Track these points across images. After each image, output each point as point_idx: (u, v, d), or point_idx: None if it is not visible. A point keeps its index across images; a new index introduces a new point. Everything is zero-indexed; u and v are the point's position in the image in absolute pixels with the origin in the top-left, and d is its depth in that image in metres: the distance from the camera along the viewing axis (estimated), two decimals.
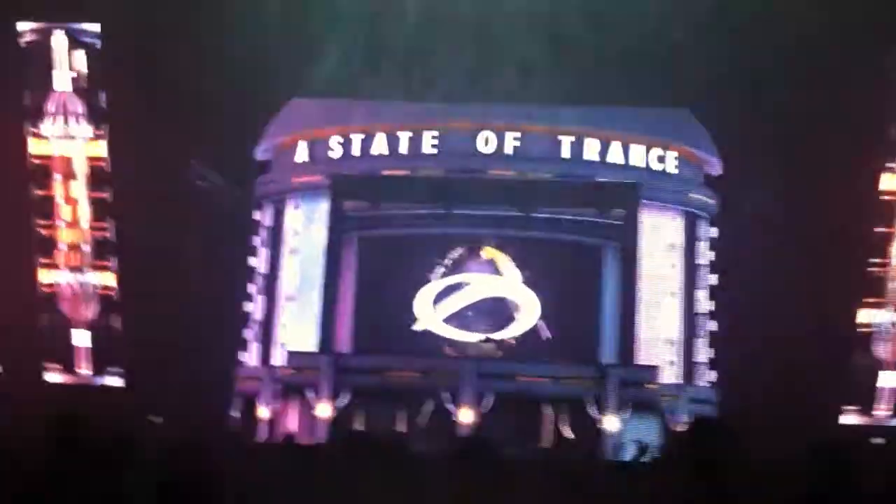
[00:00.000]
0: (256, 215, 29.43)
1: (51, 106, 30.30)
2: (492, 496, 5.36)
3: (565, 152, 27.69)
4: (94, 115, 30.37)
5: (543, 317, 28.08)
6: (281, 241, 29.04)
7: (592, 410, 24.60)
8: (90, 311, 30.00)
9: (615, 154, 27.78)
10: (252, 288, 28.98)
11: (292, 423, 25.06)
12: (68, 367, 29.68)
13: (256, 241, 29.28)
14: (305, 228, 28.81)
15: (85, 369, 29.77)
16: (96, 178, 30.37)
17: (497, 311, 28.46)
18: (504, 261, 28.78)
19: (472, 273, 28.63)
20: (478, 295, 28.52)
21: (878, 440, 24.76)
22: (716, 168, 29.26)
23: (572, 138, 27.65)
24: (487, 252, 28.79)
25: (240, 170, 29.60)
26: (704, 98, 27.30)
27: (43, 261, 30.06)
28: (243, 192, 29.80)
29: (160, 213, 27.98)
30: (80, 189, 30.30)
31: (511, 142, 27.51)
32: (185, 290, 27.44)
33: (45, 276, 30.02)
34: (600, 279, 28.78)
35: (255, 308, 28.79)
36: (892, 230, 30.68)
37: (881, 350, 30.17)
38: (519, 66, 26.66)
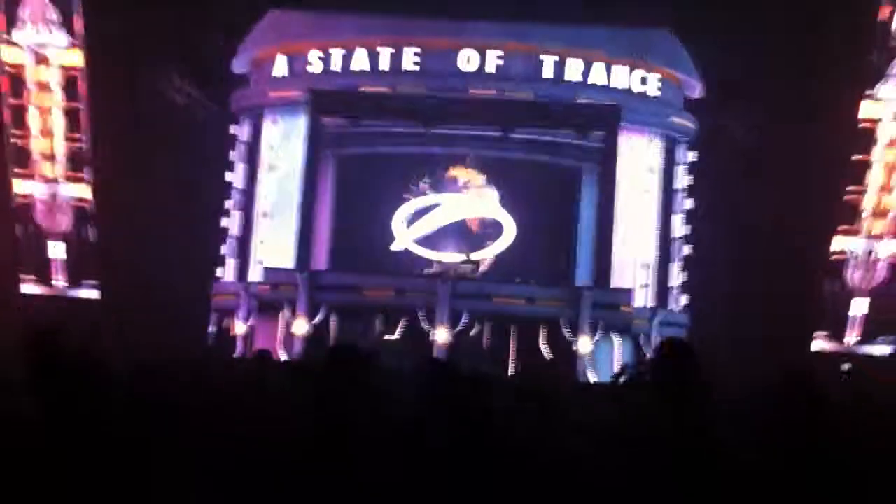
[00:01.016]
0: (233, 129, 29.08)
1: (25, 13, 29.59)
2: (463, 415, 5.40)
3: (547, 72, 27.43)
4: (69, 24, 29.74)
5: (519, 238, 28.18)
6: (258, 156, 28.78)
7: (566, 332, 24.85)
8: (65, 223, 29.81)
9: (598, 75, 27.54)
10: (229, 203, 28.80)
11: (268, 339, 25.18)
12: (43, 279, 29.59)
13: (233, 155, 28.99)
14: (283, 144, 28.55)
15: (60, 281, 29.69)
16: (71, 88, 29.87)
17: (473, 232, 28.52)
18: (481, 180, 28.74)
19: (449, 193, 28.59)
20: (454, 215, 28.53)
21: (846, 365, 25.21)
22: (697, 91, 29.10)
23: (555, 58, 27.35)
24: (465, 171, 28.73)
25: (216, 83, 29.16)
26: (687, 18, 27.07)
27: (17, 171, 29.73)
28: (220, 105, 29.44)
29: (135, 125, 27.66)
30: (54, 99, 29.82)
31: (493, 60, 27.20)
32: (160, 204, 27.30)
33: (19, 187, 29.73)
34: (577, 201, 28.83)
35: (232, 224, 28.67)
36: (868, 158, 30.83)
37: (853, 277, 30.57)
38: None
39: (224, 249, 28.62)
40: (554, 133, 28.19)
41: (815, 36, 27.27)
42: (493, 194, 28.66)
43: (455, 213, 28.56)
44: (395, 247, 28.05)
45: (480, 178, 28.72)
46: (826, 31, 27.23)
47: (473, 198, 28.70)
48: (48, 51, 29.65)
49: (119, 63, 27.41)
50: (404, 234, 28.19)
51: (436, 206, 28.52)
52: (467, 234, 28.38)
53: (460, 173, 28.78)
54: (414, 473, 4.61)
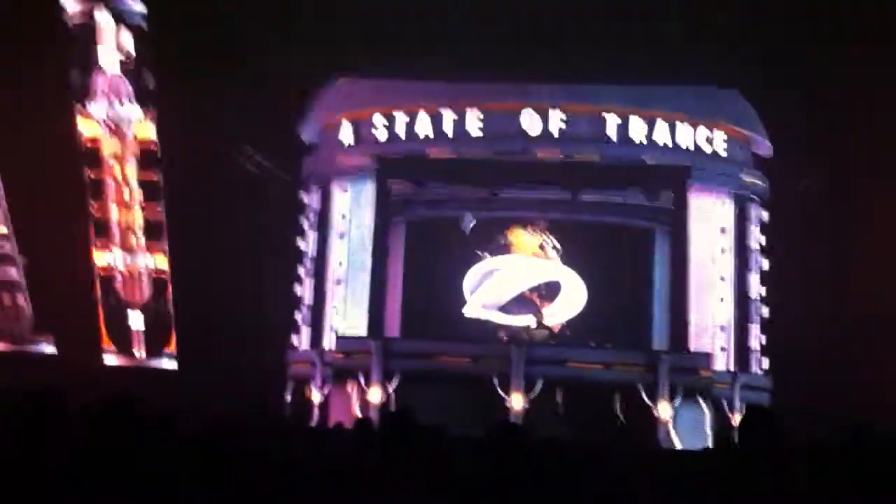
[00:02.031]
0: (303, 197, 29.48)
1: (98, 85, 30.55)
2: (538, 483, 5.27)
3: (612, 133, 27.28)
4: (142, 97, 30.62)
5: (592, 302, 27.90)
6: (329, 223, 29.07)
7: (645, 397, 24.35)
8: (144, 294, 30.37)
9: (662, 134, 27.31)
10: (301, 271, 29.08)
11: (344, 407, 25.15)
12: (124, 350, 30.10)
13: (304, 223, 29.34)
14: (353, 211, 28.81)
15: (140, 351, 30.17)
16: (146, 159, 30.64)
17: (544, 296, 28.32)
18: (552, 244, 28.63)
19: (521, 256, 28.52)
20: (525, 278, 28.40)
21: None
22: (766, 149, 28.72)
23: (618, 119, 27.22)
24: (534, 235, 28.63)
25: (287, 152, 29.67)
26: (753, 78, 26.86)
27: (97, 242, 30.45)
28: (290, 174, 29.90)
29: (209, 196, 28.20)
30: (130, 170, 30.61)
31: (556, 122, 27.20)
32: (235, 274, 27.67)
33: (99, 258, 30.42)
34: (650, 263, 28.54)
35: (305, 291, 28.90)
36: None
37: None
38: (563, 45, 26.39)
39: (298, 317, 28.83)
40: (623, 195, 28.01)
41: (884, 93, 26.80)
42: (564, 257, 28.52)
43: (525, 276, 28.44)
44: (465, 312, 28.01)
45: (552, 241, 28.61)
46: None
47: (544, 261, 28.56)
48: (122, 123, 30.52)
49: (191, 134, 28.05)
50: (473, 300, 28.18)
51: (505, 270, 28.45)
52: (550, 297, 28.16)
53: (530, 237, 28.72)
54: None
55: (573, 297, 28.15)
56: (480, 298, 28.21)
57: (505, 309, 28.22)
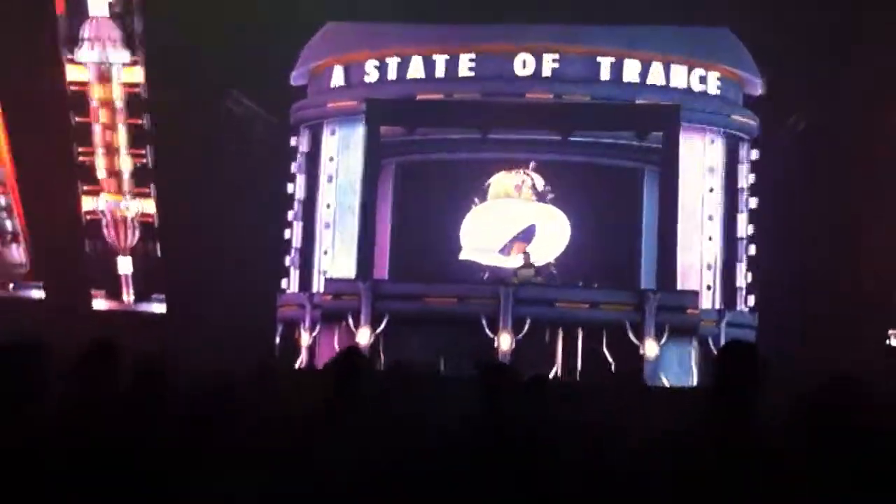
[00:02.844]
0: (293, 141, 29.38)
1: (86, 31, 30.20)
2: (528, 418, 5.34)
3: (604, 74, 27.23)
4: (130, 41, 30.29)
5: (581, 242, 28.02)
6: (318, 167, 29.02)
7: (632, 335, 24.57)
8: (132, 238, 30.35)
9: (656, 75, 27.25)
10: (290, 214, 29.09)
11: (333, 349, 25.31)
12: (113, 294, 30.16)
13: (293, 167, 29.28)
14: (342, 154, 28.75)
15: (129, 296, 30.24)
16: (133, 104, 30.41)
17: (533, 237, 28.41)
18: (542, 185, 28.64)
19: (520, 199, 28.57)
20: (514, 220, 28.47)
21: None
22: (757, 88, 28.63)
23: (612, 59, 27.12)
24: (532, 178, 28.66)
25: (276, 96, 29.50)
26: (746, 17, 26.71)
27: (85, 188, 30.35)
28: (279, 117, 29.76)
29: (197, 140, 28.07)
30: (117, 115, 30.39)
31: (549, 63, 27.07)
32: (222, 217, 27.67)
33: (86, 203, 30.35)
34: (639, 203, 28.59)
35: (295, 235, 28.94)
36: None
37: None
38: None
39: (288, 261, 28.90)
40: (613, 135, 27.97)
41: (880, 31, 26.69)
42: (552, 198, 28.58)
43: (515, 218, 28.50)
44: (462, 256, 28.15)
45: (541, 182, 28.64)
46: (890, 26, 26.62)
47: (533, 202, 28.60)
48: (110, 68, 30.22)
49: (178, 77, 27.82)
50: (468, 244, 28.30)
51: (496, 212, 28.52)
52: (527, 239, 28.26)
53: (519, 178, 28.74)
54: (467, 475, 4.56)
55: (555, 236, 28.26)
56: (472, 243, 28.40)
57: (493, 251, 28.36)
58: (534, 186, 28.66)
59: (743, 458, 4.05)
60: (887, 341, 28.82)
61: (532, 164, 28.51)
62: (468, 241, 28.62)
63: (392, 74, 27.85)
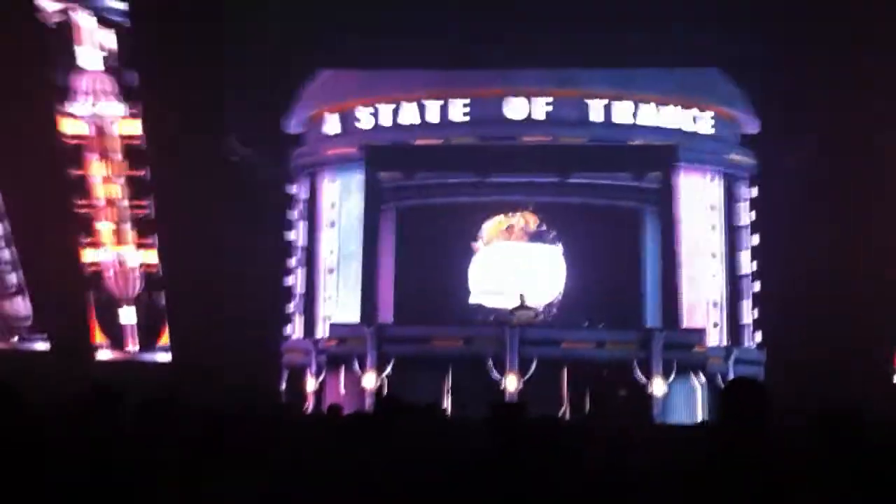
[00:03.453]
0: (292, 189, 29.48)
1: (81, 85, 30.41)
2: (534, 458, 5.30)
3: (597, 116, 27.34)
4: (127, 93, 30.52)
5: (584, 283, 28.02)
6: (318, 213, 29.10)
7: (639, 374, 24.47)
8: (135, 289, 30.35)
9: (648, 116, 27.42)
10: (292, 262, 29.11)
11: (338, 394, 25.22)
12: (117, 345, 30.09)
13: (293, 214, 29.36)
14: (342, 200, 28.84)
15: (133, 346, 30.17)
16: (132, 156, 30.56)
17: (537, 279, 28.41)
18: (541, 227, 28.72)
19: (511, 241, 28.63)
20: (516, 263, 28.49)
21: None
22: (753, 126, 28.81)
23: (604, 101, 27.29)
24: (524, 219, 28.75)
25: (273, 144, 29.65)
26: (737, 56, 26.91)
27: (85, 240, 30.39)
28: (277, 165, 29.89)
29: (196, 189, 28.16)
30: (116, 167, 30.53)
31: (541, 107, 27.23)
32: (226, 266, 27.66)
33: (88, 256, 30.37)
34: (640, 243, 28.67)
35: (296, 282, 28.94)
36: None
37: None
38: (547, 30, 26.42)
39: (291, 307, 28.87)
40: (611, 177, 28.09)
41: (870, 69, 26.90)
42: (554, 240, 28.65)
43: (519, 260, 28.54)
44: (472, 300, 28.19)
45: (533, 223, 28.73)
46: (876, 61, 26.83)
47: (536, 245, 28.66)
48: (106, 121, 30.41)
49: (176, 128, 27.97)
50: (475, 287, 28.37)
51: (497, 255, 28.58)
52: (530, 281, 28.25)
53: (521, 221, 28.83)
54: None
55: (551, 276, 28.28)
56: (479, 286, 28.45)
57: (495, 293, 28.37)
58: (525, 228, 28.72)
59: (754, 491, 4.03)
60: (894, 378, 28.71)
61: (531, 207, 28.60)
62: (475, 284, 28.68)
63: (386, 121, 28.02)
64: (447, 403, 22.21)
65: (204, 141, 28.35)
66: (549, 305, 28.33)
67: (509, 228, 28.77)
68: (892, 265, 28.65)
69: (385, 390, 24.68)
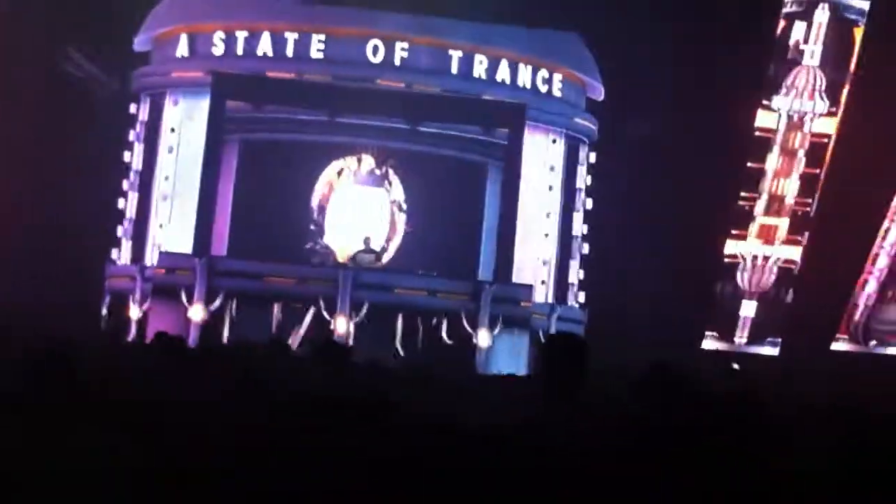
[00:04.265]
0: (132, 108, 28.42)
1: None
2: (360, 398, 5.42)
3: (454, 67, 27.56)
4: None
5: (424, 232, 28.33)
6: (158, 137, 28.17)
7: (466, 325, 25.03)
8: None
9: (503, 72, 27.80)
10: (125, 184, 28.15)
11: (163, 325, 24.67)
12: None
13: (132, 135, 28.33)
14: (185, 126, 27.99)
15: None
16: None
17: (377, 223, 28.53)
18: (388, 173, 28.79)
19: (357, 185, 28.61)
20: (359, 206, 28.50)
21: (735, 365, 26.18)
22: (599, 93, 29.63)
23: (461, 53, 27.49)
24: (371, 163, 28.75)
25: (116, 60, 28.46)
26: (593, 22, 27.63)
27: None
28: (119, 83, 28.74)
29: (31, 103, 26.82)
30: None
31: (400, 52, 27.17)
32: (55, 182, 26.55)
33: None
34: (482, 197, 29.12)
35: (129, 206, 28.02)
36: (763, 166, 31.96)
37: (744, 280, 31.67)
38: None
39: (120, 231, 27.97)
40: (461, 129, 28.35)
41: (717, 45, 28.15)
42: (398, 186, 28.79)
43: (362, 204, 28.55)
44: (325, 240, 28.04)
45: (386, 170, 28.79)
46: (728, 41, 28.12)
47: (379, 189, 28.72)
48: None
49: (14, 37, 26.49)
50: (311, 223, 28.21)
51: (344, 194, 28.53)
52: (370, 225, 28.34)
53: (367, 164, 28.80)
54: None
55: (388, 222, 28.56)
56: (329, 226, 28.34)
57: (338, 234, 28.37)
58: (357, 171, 28.72)
59: (573, 440, 4.22)
60: (703, 342, 30.51)
61: (372, 151, 28.59)
62: (328, 224, 28.53)
63: (240, 48, 27.31)
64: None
65: (43, 52, 26.97)
66: (387, 251, 28.52)
67: (339, 172, 28.69)
68: (713, 237, 30.22)
69: (215, 324, 24.38)
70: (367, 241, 27.57)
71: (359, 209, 28.56)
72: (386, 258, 28.38)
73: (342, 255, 27.63)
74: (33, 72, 26.84)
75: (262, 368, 6.51)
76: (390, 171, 28.81)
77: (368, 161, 28.74)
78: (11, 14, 26.20)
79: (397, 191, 28.95)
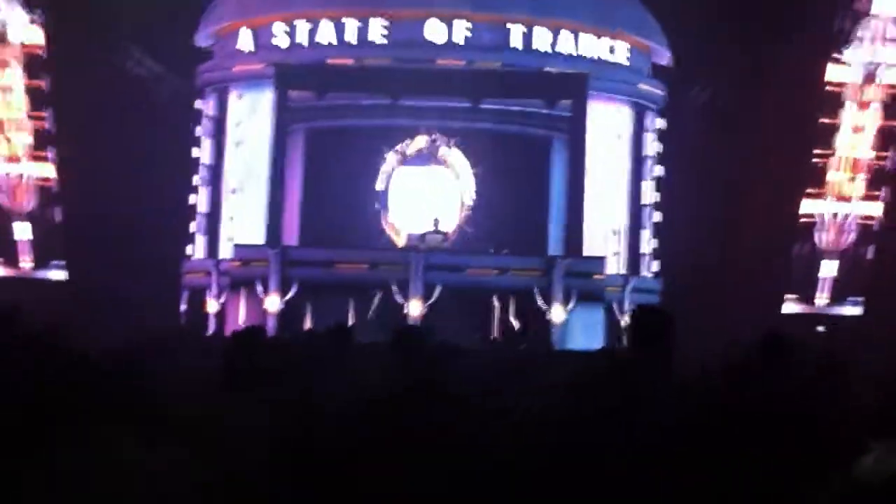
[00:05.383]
0: (198, 104, 28.75)
1: None
2: (440, 385, 5.36)
3: (515, 41, 27.29)
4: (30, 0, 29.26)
5: (492, 209, 28.20)
6: (225, 131, 28.48)
7: (540, 301, 24.88)
8: (30, 203, 29.46)
9: (565, 43, 27.44)
10: (196, 179, 28.53)
11: (241, 316, 25.04)
12: (10, 261, 29.25)
13: (199, 131, 28.68)
14: (249, 119, 28.26)
15: (27, 262, 29.37)
16: (33, 65, 29.39)
17: (446, 203, 28.46)
18: (452, 153, 28.67)
19: (422, 165, 28.54)
20: (425, 186, 28.46)
21: (821, 328, 25.60)
22: (665, 58, 29.10)
23: (522, 27, 27.21)
24: (429, 143, 28.65)
25: (180, 57, 28.80)
26: None
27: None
28: (184, 80, 29.08)
29: (99, 102, 27.29)
30: (15, 77, 29.35)
31: (461, 30, 27.01)
32: (127, 182, 27.01)
33: None
34: (548, 171, 28.84)
35: (200, 201, 28.41)
36: (836, 121, 31.07)
37: (822, 239, 30.90)
38: None
39: (193, 227, 28.38)
40: (523, 103, 28.10)
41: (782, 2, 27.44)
42: (464, 165, 28.66)
43: (425, 184, 28.49)
44: (389, 220, 28.10)
45: (452, 150, 28.67)
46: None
47: (446, 169, 28.64)
48: (8, 28, 29.11)
49: (80, 37, 26.96)
50: (379, 206, 28.27)
51: (406, 178, 28.48)
52: (441, 206, 28.29)
53: (432, 144, 28.71)
54: (391, 443, 4.56)
55: (461, 201, 28.44)
56: (392, 204, 28.33)
57: (406, 216, 28.35)
58: (417, 152, 28.60)
59: (666, 414, 4.13)
60: (782, 307, 29.88)
61: (438, 131, 28.49)
62: (393, 208, 28.56)
63: (302, 38, 27.43)
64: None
65: (109, 53, 27.42)
66: (456, 230, 28.45)
67: (402, 153, 28.62)
68: (788, 198, 29.55)
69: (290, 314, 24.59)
70: (436, 222, 27.53)
71: (422, 189, 28.51)
72: (452, 237, 28.29)
73: (403, 237, 27.63)
74: (99, 71, 27.30)
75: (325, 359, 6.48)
76: (452, 150, 28.68)
77: (427, 141, 28.64)
78: (75, 15, 26.66)
79: (462, 169, 28.82)
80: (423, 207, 28.04)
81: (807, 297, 30.59)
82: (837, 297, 30.50)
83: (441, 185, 28.61)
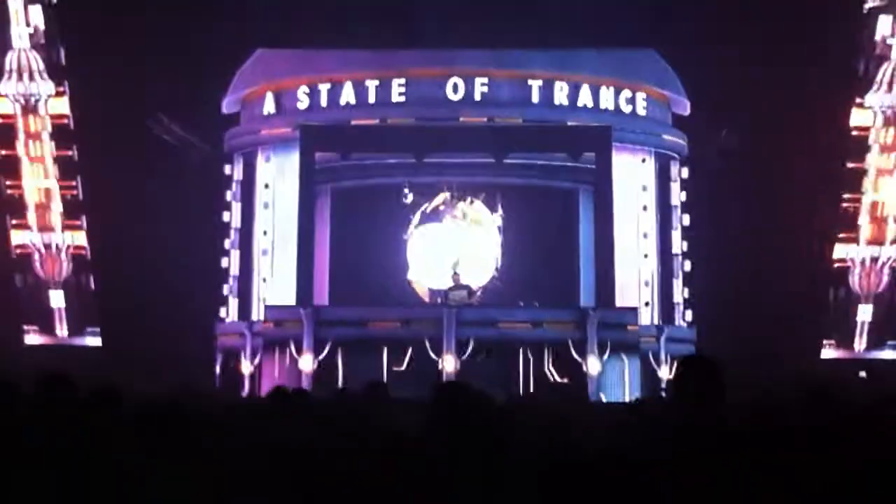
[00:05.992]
0: (227, 169, 29.14)
1: (8, 63, 29.69)
2: (477, 441, 5.33)
3: (535, 97, 27.55)
4: (54, 72, 29.87)
5: (520, 263, 28.21)
6: (253, 194, 28.82)
7: (574, 353, 24.73)
8: (64, 272, 29.77)
9: (584, 97, 27.66)
10: (227, 243, 28.81)
11: (276, 377, 25.05)
12: (46, 329, 29.50)
13: (227, 194, 29.04)
14: (277, 181, 28.59)
15: (63, 330, 29.61)
16: (61, 135, 29.93)
17: (467, 258, 28.51)
18: (474, 207, 28.80)
19: (439, 221, 28.69)
20: (444, 242, 28.55)
21: (863, 373, 25.26)
22: (684, 108, 29.24)
23: (541, 82, 27.47)
24: (459, 199, 28.80)
25: (207, 123, 29.27)
26: (671, 38, 27.37)
27: (13, 222, 29.72)
28: (212, 145, 29.52)
29: (128, 170, 27.70)
30: (45, 147, 29.88)
31: (480, 87, 27.31)
32: (158, 247, 27.27)
33: (15, 238, 29.71)
34: (575, 223, 28.90)
35: (232, 263, 28.66)
36: (862, 165, 31.01)
37: (857, 284, 30.64)
38: (486, 12, 26.61)
39: (226, 290, 28.59)
40: (547, 157, 28.25)
41: (802, 46, 27.55)
42: (491, 220, 28.76)
43: (443, 240, 28.61)
44: (409, 276, 28.20)
45: (477, 205, 28.81)
46: (813, 41, 27.51)
47: (472, 225, 28.73)
48: (35, 99, 29.71)
49: (106, 108, 27.45)
50: (408, 263, 28.39)
51: (424, 234, 28.64)
52: (457, 260, 28.34)
53: (456, 201, 28.87)
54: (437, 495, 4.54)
55: (486, 256, 28.47)
56: (416, 263, 28.42)
57: (433, 273, 28.43)
58: (439, 208, 28.74)
59: (719, 463, 4.09)
60: (822, 352, 29.52)
61: (453, 188, 28.70)
62: (413, 266, 28.70)
63: (324, 100, 27.83)
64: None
65: (135, 121, 27.88)
66: (486, 285, 28.44)
67: (434, 209, 28.78)
68: (819, 243, 29.39)
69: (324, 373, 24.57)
70: (455, 277, 27.56)
71: (438, 245, 28.59)
72: (478, 291, 28.28)
73: (425, 293, 27.68)
74: (127, 138, 27.76)
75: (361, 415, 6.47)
76: (474, 204, 28.81)
77: (445, 198, 28.81)
78: (108, 82, 27.19)
79: (487, 223, 28.90)
80: (442, 262, 28.11)
81: (845, 342, 30.25)
82: (876, 341, 30.15)
83: (462, 240, 28.68)
